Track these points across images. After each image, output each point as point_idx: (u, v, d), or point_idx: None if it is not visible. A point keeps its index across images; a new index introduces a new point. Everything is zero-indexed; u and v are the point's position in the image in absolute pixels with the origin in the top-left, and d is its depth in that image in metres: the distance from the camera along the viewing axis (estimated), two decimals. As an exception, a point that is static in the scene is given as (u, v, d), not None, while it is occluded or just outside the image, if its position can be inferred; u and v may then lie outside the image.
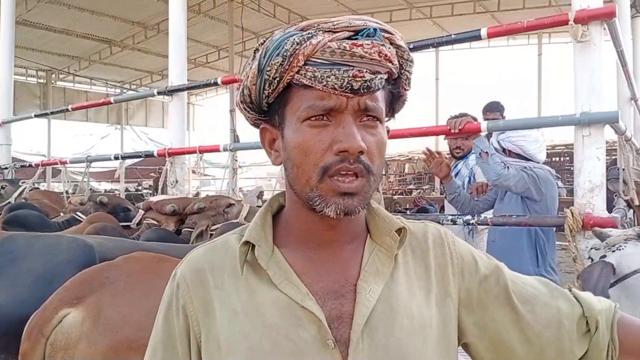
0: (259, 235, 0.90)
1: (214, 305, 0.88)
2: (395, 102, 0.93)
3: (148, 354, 0.93)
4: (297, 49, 0.81)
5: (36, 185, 5.98)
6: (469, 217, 2.82)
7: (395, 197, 13.01)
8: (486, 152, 2.96)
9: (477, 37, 2.65)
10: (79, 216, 4.10)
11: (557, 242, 3.28)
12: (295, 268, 0.89)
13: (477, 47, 15.63)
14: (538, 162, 3.21)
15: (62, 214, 4.41)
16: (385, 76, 0.85)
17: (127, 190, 15.96)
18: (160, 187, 4.46)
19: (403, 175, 18.03)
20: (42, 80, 17.11)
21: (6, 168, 5.22)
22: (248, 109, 0.92)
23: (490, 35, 2.59)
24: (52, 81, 17.23)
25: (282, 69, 0.82)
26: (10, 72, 5.68)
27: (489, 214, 2.97)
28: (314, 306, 0.84)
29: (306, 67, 0.82)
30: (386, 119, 0.93)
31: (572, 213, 2.49)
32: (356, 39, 0.82)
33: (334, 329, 0.84)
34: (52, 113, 7.15)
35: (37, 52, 14.35)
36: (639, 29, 7.92)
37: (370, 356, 0.84)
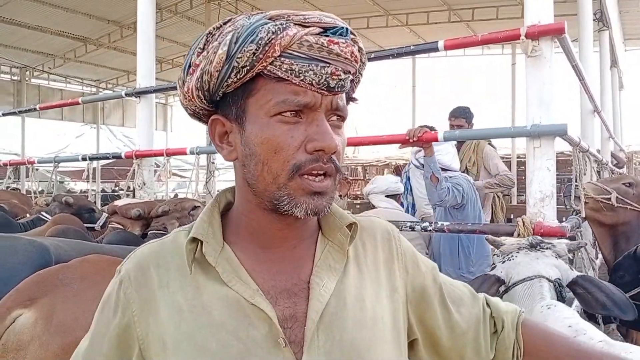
0: (206, 231, 0.86)
1: (157, 304, 0.84)
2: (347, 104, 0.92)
3: (78, 346, 0.89)
4: (273, 39, 0.77)
5: (7, 185, 5.90)
6: (426, 224, 2.90)
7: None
8: (437, 177, 3.19)
9: (435, 49, 2.72)
10: (44, 216, 4.07)
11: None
12: (246, 265, 0.86)
13: (453, 56, 15.86)
14: (455, 171, 3.57)
15: (28, 215, 4.38)
16: (353, 77, 0.84)
17: (103, 190, 15.82)
18: (125, 189, 4.44)
19: (380, 180, 18.15)
20: (16, 78, 16.81)
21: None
22: (201, 97, 0.85)
23: (447, 48, 2.66)
24: (27, 79, 16.94)
25: (255, 58, 0.78)
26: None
27: (445, 222, 3.04)
28: (264, 302, 0.82)
29: (282, 59, 0.78)
30: None
31: (522, 222, 2.58)
32: (328, 35, 0.80)
33: (287, 329, 0.82)
34: (20, 112, 6.99)
35: (11, 48, 14.10)
36: (605, 42, 8.16)
37: (326, 353, 0.82)
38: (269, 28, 0.78)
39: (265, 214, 0.86)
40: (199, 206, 3.64)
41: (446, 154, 3.45)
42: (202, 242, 0.85)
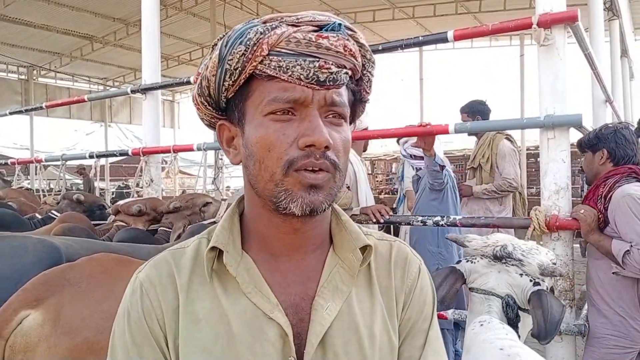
0: (227, 240, 0.86)
1: (178, 312, 0.83)
2: (356, 105, 0.90)
3: None
4: (260, 38, 0.78)
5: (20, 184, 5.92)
6: (438, 218, 2.85)
7: (381, 196, 13.03)
8: (442, 166, 3.46)
9: (444, 40, 2.67)
10: (54, 214, 4.07)
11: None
12: (265, 276, 0.85)
13: (461, 48, 15.73)
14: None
15: (37, 213, 4.38)
16: (350, 72, 0.82)
17: (119, 187, 15.91)
18: (134, 186, 4.43)
19: (390, 175, 18.08)
20: (23, 77, 16.88)
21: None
22: (205, 104, 0.87)
23: (457, 38, 2.61)
24: (34, 77, 17.00)
25: (245, 59, 0.79)
26: (-15, 68, 5.59)
27: (458, 216, 3.00)
28: (282, 318, 0.81)
29: (270, 57, 0.78)
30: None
31: (536, 215, 2.53)
32: (322, 31, 0.80)
33: (294, 345, 0.81)
34: (27, 110, 7.03)
35: (18, 47, 14.16)
36: (615, 32, 8.04)
37: None
38: (257, 29, 0.79)
39: (270, 217, 0.85)
40: (211, 202, 3.61)
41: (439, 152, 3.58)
42: (221, 251, 0.84)
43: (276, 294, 0.83)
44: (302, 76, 0.77)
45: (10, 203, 4.31)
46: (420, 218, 2.90)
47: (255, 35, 0.78)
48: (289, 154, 0.79)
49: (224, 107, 0.86)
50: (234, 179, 16.89)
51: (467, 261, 1.82)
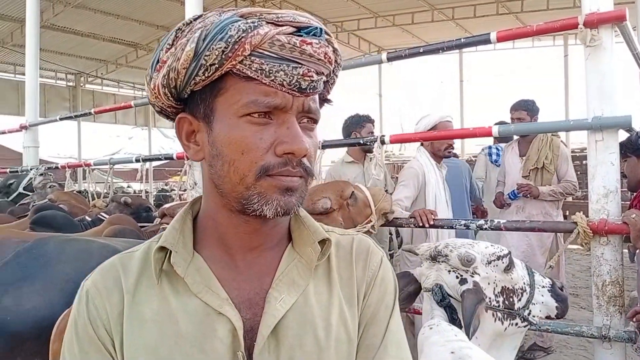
0: (176, 240, 0.84)
1: (123, 315, 0.82)
2: (320, 106, 0.88)
3: None
4: (243, 37, 0.74)
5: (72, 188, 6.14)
6: (482, 222, 2.82)
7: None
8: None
9: (487, 41, 2.64)
10: (103, 216, 4.20)
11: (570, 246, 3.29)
12: (216, 274, 0.83)
13: (502, 49, 15.47)
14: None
15: (87, 215, 4.53)
16: (326, 78, 0.82)
17: (161, 190, 16.28)
18: (178, 189, 4.53)
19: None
20: (71, 84, 17.49)
21: (24, 171, 5.33)
22: (168, 95, 0.82)
23: (500, 40, 2.58)
24: (81, 84, 17.60)
25: (224, 56, 0.75)
26: (35, 75, 5.83)
27: (502, 220, 2.96)
28: (232, 311, 0.80)
29: (252, 58, 0.75)
30: None
31: (581, 219, 2.47)
32: (301, 35, 0.77)
33: (247, 340, 0.80)
34: (76, 116, 7.29)
35: (66, 55, 14.68)
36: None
37: None
38: (239, 26, 0.75)
39: (231, 216, 0.83)
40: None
41: None
42: (171, 252, 0.83)
43: (229, 290, 0.82)
44: (284, 82, 0.75)
45: (62, 205, 4.47)
46: (463, 222, 2.88)
47: (237, 33, 0.74)
48: (264, 159, 0.77)
49: (185, 98, 0.83)
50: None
51: (420, 266, 1.87)
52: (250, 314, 0.82)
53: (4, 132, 6.62)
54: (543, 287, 1.83)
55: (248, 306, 0.82)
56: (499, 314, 1.70)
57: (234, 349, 0.79)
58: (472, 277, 1.70)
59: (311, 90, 0.78)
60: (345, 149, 4.17)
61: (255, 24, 0.75)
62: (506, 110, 4.56)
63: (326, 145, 3.38)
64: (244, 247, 0.86)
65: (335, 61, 0.82)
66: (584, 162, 15.17)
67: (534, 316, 1.78)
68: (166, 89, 0.81)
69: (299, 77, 0.76)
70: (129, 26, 13.02)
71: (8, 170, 5.76)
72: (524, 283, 1.78)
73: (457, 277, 1.70)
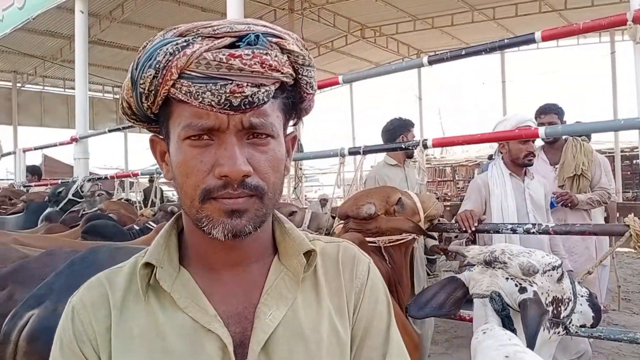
0: (161, 255, 0.84)
1: (110, 332, 0.81)
2: (296, 109, 0.86)
3: None
4: (170, 60, 0.73)
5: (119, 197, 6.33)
6: (529, 226, 2.75)
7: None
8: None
9: (532, 41, 2.59)
10: (151, 225, 4.31)
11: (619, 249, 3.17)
12: (203, 289, 0.83)
13: (545, 47, 15.10)
14: None
15: (135, 225, 4.65)
16: (274, 87, 0.76)
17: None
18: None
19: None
20: (117, 96, 18.04)
21: (74, 181, 5.47)
22: (134, 119, 0.84)
23: (545, 39, 2.52)
24: (126, 97, 18.15)
25: (157, 82, 0.75)
26: (85, 89, 6.04)
27: (550, 224, 2.88)
28: (221, 329, 0.79)
29: (181, 81, 0.73)
30: (291, 124, 0.87)
31: (634, 222, 2.38)
32: (238, 46, 0.74)
33: (237, 354, 0.79)
34: (124, 128, 7.52)
35: (112, 69, 15.15)
36: None
37: None
38: (166, 49, 0.74)
39: (204, 235, 0.80)
40: (296, 211, 3.66)
41: None
42: (156, 267, 0.83)
43: (216, 305, 0.82)
44: (213, 102, 0.72)
45: (111, 215, 4.61)
46: (510, 226, 2.82)
47: (164, 58, 0.73)
48: (205, 182, 0.76)
49: (155, 119, 0.83)
50: (313, 187, 17.10)
51: (468, 270, 1.83)
52: (240, 328, 0.82)
53: (55, 145, 6.92)
54: (582, 296, 1.83)
55: (237, 321, 0.82)
56: (547, 323, 1.67)
57: None
58: (531, 286, 1.66)
59: (247, 106, 0.74)
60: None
61: (187, 43, 0.74)
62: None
63: (367, 151, 3.38)
64: (226, 264, 0.85)
65: (296, 62, 0.79)
66: (635, 161, 14.65)
67: (572, 325, 1.78)
68: (127, 116, 0.85)
69: (228, 94, 0.72)
70: (171, 39, 13.34)
71: (60, 181, 5.98)
72: (570, 293, 1.77)
73: (515, 285, 1.66)
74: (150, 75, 0.74)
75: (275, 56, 0.75)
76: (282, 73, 0.76)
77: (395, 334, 0.90)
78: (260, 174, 0.78)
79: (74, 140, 5.92)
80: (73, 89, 14.15)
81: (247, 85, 0.73)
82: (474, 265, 1.83)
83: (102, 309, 0.83)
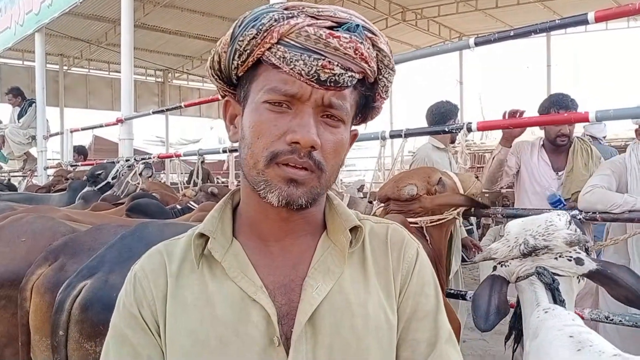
0: (215, 227, 0.88)
1: (167, 298, 0.87)
2: (367, 108, 0.89)
3: (113, 347, 0.87)
4: (273, 25, 0.78)
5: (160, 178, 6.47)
6: (576, 212, 2.68)
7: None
8: None
9: (584, 22, 2.49)
10: (192, 205, 4.40)
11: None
12: (252, 260, 0.86)
13: (593, 31, 14.54)
14: None
15: (177, 204, 4.76)
16: (359, 76, 0.80)
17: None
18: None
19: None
20: (159, 79, 18.33)
21: (119, 161, 5.59)
22: (216, 77, 0.89)
23: (598, 19, 2.42)
24: (169, 80, 18.41)
25: (255, 43, 0.79)
26: (130, 72, 6.16)
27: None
28: (265, 299, 0.82)
29: (278, 46, 0.78)
30: (354, 124, 0.89)
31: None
32: (337, 30, 0.78)
33: (283, 325, 0.82)
34: (167, 110, 7.73)
35: (155, 53, 15.38)
36: None
37: (313, 356, 0.81)
38: (272, 16, 0.78)
39: (260, 203, 0.84)
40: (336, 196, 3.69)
41: None
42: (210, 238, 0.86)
43: (263, 277, 0.85)
44: (302, 72, 0.76)
45: (154, 194, 4.72)
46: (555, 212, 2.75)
47: (268, 22, 0.78)
48: (274, 146, 0.79)
49: (236, 82, 0.88)
50: (348, 172, 17.06)
51: (502, 266, 1.79)
52: (286, 299, 0.84)
53: (101, 126, 7.14)
54: None
55: (283, 292, 0.85)
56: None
57: (269, 334, 0.81)
58: (579, 253, 1.65)
59: (332, 84, 0.78)
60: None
61: (291, 15, 0.79)
62: (599, 94, 4.21)
63: (409, 134, 3.33)
64: (276, 235, 0.88)
65: (382, 62, 0.83)
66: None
67: None
68: (212, 71, 0.88)
69: (318, 68, 0.76)
70: (213, 23, 13.40)
71: (105, 161, 6.14)
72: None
73: (569, 260, 1.65)
74: (251, 34, 0.79)
75: (368, 48, 0.80)
76: (369, 65, 0.81)
77: (444, 320, 0.91)
78: (324, 153, 0.81)
79: (119, 121, 6.06)
80: (117, 72, 14.50)
81: (338, 65, 0.77)
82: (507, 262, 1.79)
83: (160, 277, 0.88)
